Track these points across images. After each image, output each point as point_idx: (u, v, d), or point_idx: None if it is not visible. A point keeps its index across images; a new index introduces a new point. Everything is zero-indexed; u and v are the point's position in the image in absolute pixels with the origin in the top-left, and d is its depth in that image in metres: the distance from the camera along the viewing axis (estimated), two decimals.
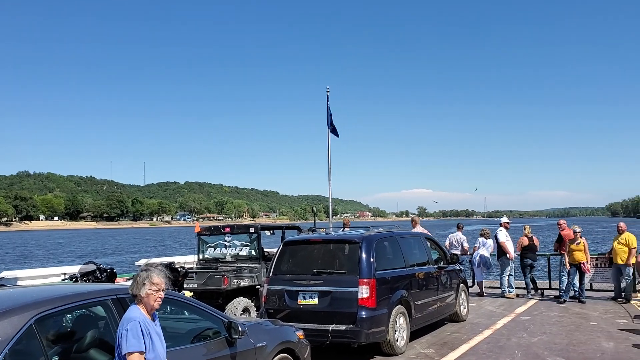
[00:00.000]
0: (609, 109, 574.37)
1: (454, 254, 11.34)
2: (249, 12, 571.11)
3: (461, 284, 10.81)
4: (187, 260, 13.25)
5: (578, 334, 9.37)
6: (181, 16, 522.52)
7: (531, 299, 13.45)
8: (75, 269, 10.24)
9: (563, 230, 13.37)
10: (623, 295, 12.82)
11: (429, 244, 10.24)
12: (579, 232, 12.83)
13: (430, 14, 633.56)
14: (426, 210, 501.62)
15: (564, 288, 12.85)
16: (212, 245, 11.65)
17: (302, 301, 7.99)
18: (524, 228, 14.02)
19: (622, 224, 13.25)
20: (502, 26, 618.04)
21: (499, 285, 14.37)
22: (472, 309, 11.73)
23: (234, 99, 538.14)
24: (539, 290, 14.18)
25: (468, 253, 15.05)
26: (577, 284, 12.89)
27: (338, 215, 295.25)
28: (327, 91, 16.84)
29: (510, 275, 13.99)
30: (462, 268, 11.49)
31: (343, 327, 7.61)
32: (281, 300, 8.16)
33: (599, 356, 7.88)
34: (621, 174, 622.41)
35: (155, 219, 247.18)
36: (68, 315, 4.12)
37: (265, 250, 11.57)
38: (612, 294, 13.21)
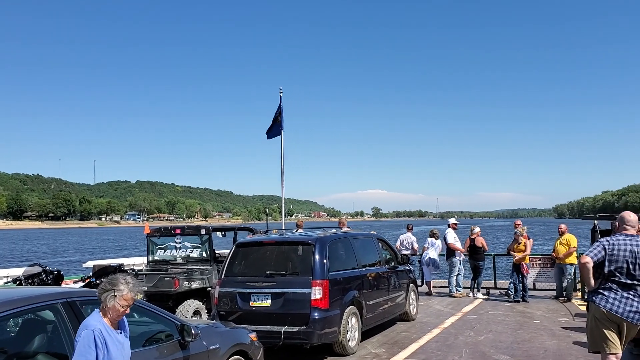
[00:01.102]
0: (555, 112, 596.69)
1: (404, 254, 11.56)
2: (202, 11, 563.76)
3: (411, 284, 11.02)
4: (137, 262, 13.02)
5: (522, 332, 9.68)
6: (132, 15, 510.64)
7: (476, 298, 13.85)
8: (19, 272, 9.89)
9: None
10: (564, 294, 13.31)
11: (380, 245, 10.41)
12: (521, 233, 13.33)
13: (383, 15, 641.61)
14: (380, 211, 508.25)
15: (513, 287, 13.28)
16: (162, 246, 11.49)
17: (254, 303, 7.97)
18: (471, 229, 14.43)
19: (562, 226, 13.81)
20: (457, 27, 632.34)
21: (447, 285, 14.73)
22: (421, 308, 11.98)
23: (189, 99, 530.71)
24: (485, 290, 14.57)
25: (418, 253, 15.37)
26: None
27: (293, 216, 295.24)
28: (280, 92, 16.83)
29: (458, 274, 14.37)
30: (412, 268, 11.72)
31: (296, 329, 7.64)
32: (233, 303, 8.12)
33: (542, 354, 8.15)
34: (567, 176, 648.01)
35: (103, 219, 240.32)
36: (15, 320, 3.99)
37: (216, 252, 11.48)
38: (554, 293, 13.72)
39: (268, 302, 7.90)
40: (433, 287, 14.95)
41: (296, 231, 10.68)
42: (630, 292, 5.33)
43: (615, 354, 5.40)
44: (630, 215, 5.65)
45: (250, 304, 7.98)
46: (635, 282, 5.32)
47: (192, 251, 11.17)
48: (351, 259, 8.96)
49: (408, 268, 11.18)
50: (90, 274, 10.82)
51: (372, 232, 11.09)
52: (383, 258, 10.11)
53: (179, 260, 11.12)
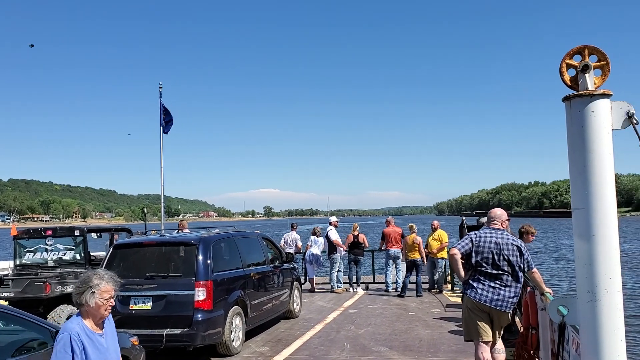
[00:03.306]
0: (435, 113, 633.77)
1: (288, 253, 11.76)
2: (80, 6, 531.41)
3: (295, 282, 11.21)
4: (2, 267, 12.12)
5: (399, 324, 10.21)
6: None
7: (356, 292, 14.38)
8: None
9: (386, 227, 14.62)
10: (436, 287, 14.22)
11: (265, 244, 10.51)
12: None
13: (272, 11, 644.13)
14: (272, 210, 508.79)
15: (399, 281, 13.97)
16: (31, 249, 10.79)
17: (134, 306, 7.75)
18: (353, 226, 14.99)
19: (435, 222, 14.85)
20: (343, 26, 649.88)
21: (328, 281, 15.17)
22: (305, 305, 12.22)
23: (71, 95, 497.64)
24: (364, 284, 15.19)
25: (301, 251, 15.70)
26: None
27: (181, 216, 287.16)
28: (160, 87, 16.35)
29: (339, 271, 14.84)
30: (296, 266, 11.93)
31: (178, 331, 7.53)
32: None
33: (417, 343, 8.64)
34: (447, 176, 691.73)
35: None
36: None
37: (92, 254, 11.00)
38: (427, 286, 14.53)
39: (149, 305, 7.71)
40: (316, 283, 15.31)
41: (178, 232, 10.50)
42: (497, 282, 5.76)
43: (487, 341, 5.83)
44: (494, 212, 6.18)
45: (130, 308, 7.75)
46: (501, 272, 5.76)
47: (65, 253, 10.64)
48: (236, 259, 8.96)
49: (292, 266, 11.37)
50: None
51: (257, 231, 11.17)
52: (268, 257, 10.21)
53: (51, 264, 10.53)
